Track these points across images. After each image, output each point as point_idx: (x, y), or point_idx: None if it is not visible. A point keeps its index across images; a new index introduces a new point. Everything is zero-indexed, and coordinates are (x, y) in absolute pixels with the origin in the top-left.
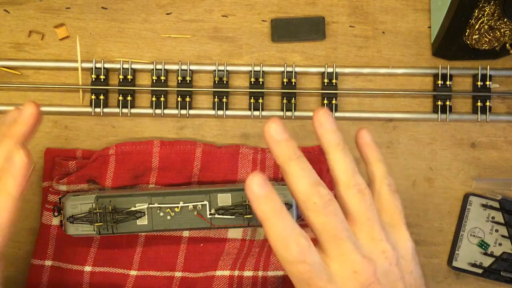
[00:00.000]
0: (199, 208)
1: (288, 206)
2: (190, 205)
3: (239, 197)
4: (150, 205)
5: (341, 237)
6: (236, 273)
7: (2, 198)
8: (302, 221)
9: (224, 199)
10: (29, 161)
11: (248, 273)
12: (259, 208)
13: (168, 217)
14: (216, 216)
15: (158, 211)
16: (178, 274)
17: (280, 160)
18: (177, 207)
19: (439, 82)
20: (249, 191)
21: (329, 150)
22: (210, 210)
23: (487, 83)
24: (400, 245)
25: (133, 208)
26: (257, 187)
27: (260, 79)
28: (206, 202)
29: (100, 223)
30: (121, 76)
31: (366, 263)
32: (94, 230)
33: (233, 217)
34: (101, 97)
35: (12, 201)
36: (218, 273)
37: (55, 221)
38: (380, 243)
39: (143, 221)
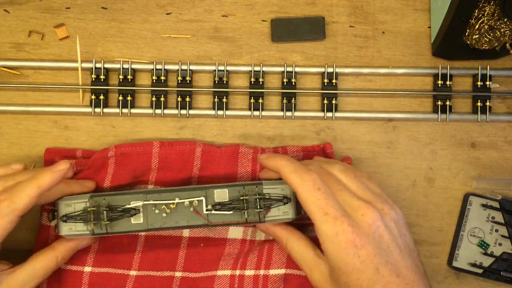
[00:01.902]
0: (195, 204)
1: (287, 199)
2: (186, 201)
3: (236, 192)
4: (145, 202)
5: (340, 188)
6: (238, 272)
7: (30, 186)
8: (302, 221)
9: (221, 194)
10: (69, 167)
11: (249, 272)
12: (269, 163)
13: (164, 214)
14: (213, 212)
15: (153, 208)
16: (178, 274)
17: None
18: (173, 203)
19: (439, 82)
20: (259, 160)
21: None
22: (206, 206)
23: (487, 83)
24: (393, 210)
25: (127, 206)
26: (263, 157)
27: (260, 79)
28: (202, 198)
29: (94, 221)
30: (121, 76)
31: (371, 209)
32: (87, 230)
33: (230, 212)
34: (101, 97)
35: (37, 191)
36: (219, 272)
37: (54, 222)
38: (378, 203)
39: (137, 220)
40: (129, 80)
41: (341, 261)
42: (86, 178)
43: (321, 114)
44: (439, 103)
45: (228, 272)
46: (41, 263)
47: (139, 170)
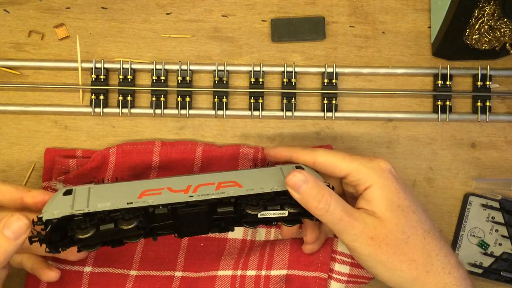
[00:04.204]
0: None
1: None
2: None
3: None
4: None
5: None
6: (239, 272)
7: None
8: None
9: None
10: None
11: (251, 273)
12: (279, 153)
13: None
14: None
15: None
16: (178, 273)
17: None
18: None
19: (439, 82)
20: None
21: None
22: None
23: (487, 83)
24: None
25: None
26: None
27: (260, 79)
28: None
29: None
30: (121, 76)
31: (381, 157)
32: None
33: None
34: (101, 97)
35: None
36: (220, 273)
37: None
38: (376, 159)
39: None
40: (129, 80)
41: (387, 183)
42: (86, 173)
43: (321, 114)
44: (439, 103)
45: (229, 273)
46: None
47: (139, 168)
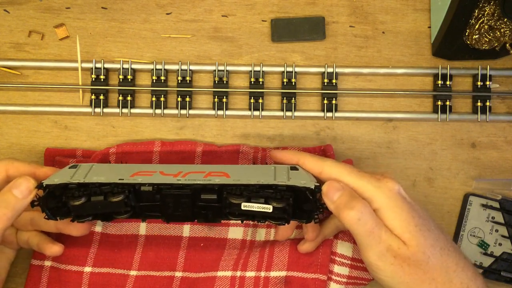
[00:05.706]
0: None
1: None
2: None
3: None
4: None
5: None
6: (238, 273)
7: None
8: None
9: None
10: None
11: (250, 274)
12: (287, 156)
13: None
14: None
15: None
16: (178, 274)
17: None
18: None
19: (439, 82)
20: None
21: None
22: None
23: (487, 83)
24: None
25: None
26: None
27: (260, 79)
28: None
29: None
30: (121, 76)
31: (388, 177)
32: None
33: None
34: (101, 97)
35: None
36: (220, 273)
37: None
38: (384, 179)
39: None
40: (129, 80)
41: (397, 205)
42: None
43: (321, 114)
44: (439, 103)
45: (228, 273)
46: None
47: None
